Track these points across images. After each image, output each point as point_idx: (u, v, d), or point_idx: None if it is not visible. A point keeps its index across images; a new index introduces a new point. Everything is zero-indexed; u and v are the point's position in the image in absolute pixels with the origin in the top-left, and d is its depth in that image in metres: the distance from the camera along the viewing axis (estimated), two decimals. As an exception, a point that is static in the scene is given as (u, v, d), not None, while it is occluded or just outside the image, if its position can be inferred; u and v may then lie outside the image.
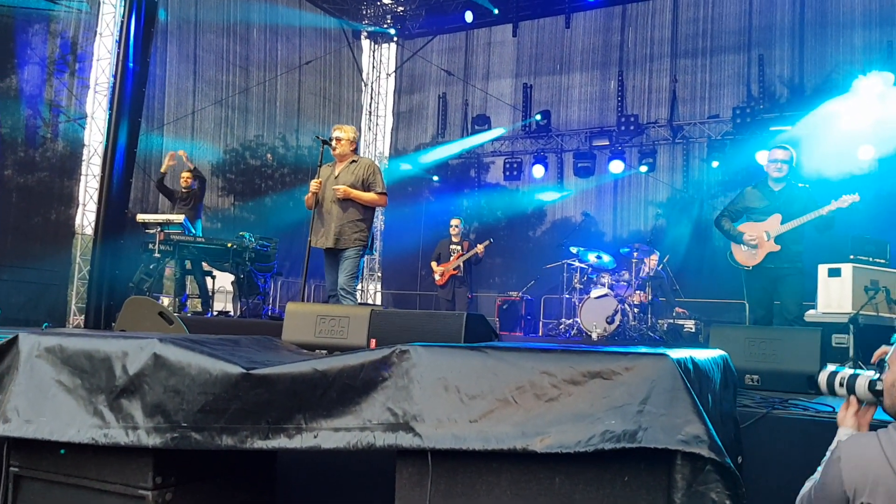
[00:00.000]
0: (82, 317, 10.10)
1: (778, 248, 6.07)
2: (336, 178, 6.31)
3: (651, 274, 9.75)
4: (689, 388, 2.19)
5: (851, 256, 7.38)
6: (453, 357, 2.48)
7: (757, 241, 6.14)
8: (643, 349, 2.50)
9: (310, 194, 6.30)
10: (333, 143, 6.37)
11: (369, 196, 6.27)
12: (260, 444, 2.57)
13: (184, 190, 9.75)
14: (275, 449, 2.58)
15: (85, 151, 10.70)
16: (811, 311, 6.92)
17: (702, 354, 2.68)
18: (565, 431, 2.24)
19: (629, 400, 2.22)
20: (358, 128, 15.89)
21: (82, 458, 2.82)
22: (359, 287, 15.70)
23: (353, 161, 6.39)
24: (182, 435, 2.63)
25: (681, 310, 10.16)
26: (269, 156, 14.11)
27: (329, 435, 2.52)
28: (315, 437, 2.53)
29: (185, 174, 9.80)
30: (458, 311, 4.05)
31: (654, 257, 9.97)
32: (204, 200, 10.06)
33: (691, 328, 9.91)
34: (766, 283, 6.20)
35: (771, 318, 6.19)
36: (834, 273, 7.29)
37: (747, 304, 6.49)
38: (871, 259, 7.48)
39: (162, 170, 9.92)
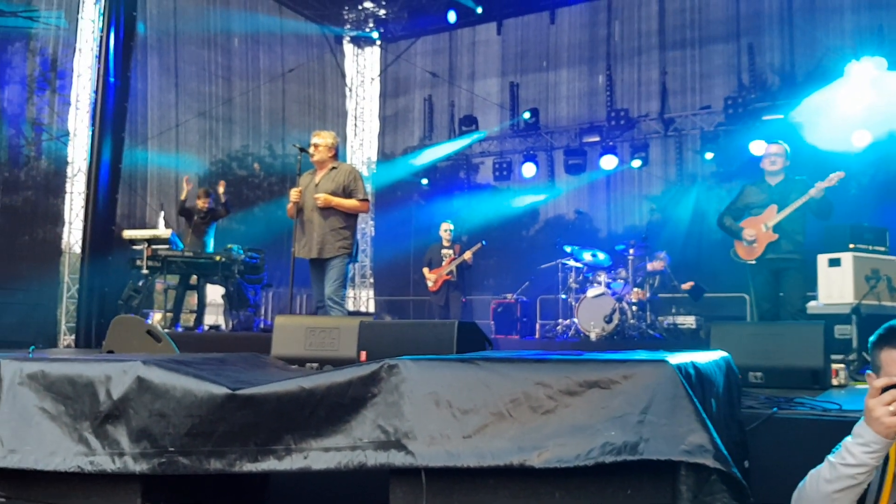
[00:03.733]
0: (73, 336, 10.00)
1: (776, 237, 6.14)
2: (316, 185, 6.19)
3: (663, 270, 9.66)
4: (691, 394, 2.11)
5: (851, 245, 7.32)
6: (444, 370, 2.41)
7: (755, 234, 6.22)
8: (642, 355, 2.42)
9: (290, 204, 6.20)
10: (311, 150, 6.26)
11: (350, 203, 6.15)
12: (249, 466, 2.50)
13: (201, 209, 9.75)
14: (264, 472, 2.51)
15: (69, 169, 10.56)
16: (812, 303, 6.88)
17: (703, 357, 2.60)
18: (564, 445, 2.16)
19: (629, 410, 2.14)
20: (344, 133, 15.90)
21: (69, 486, 2.74)
22: (350, 295, 15.72)
23: (334, 168, 6.27)
24: (169, 460, 2.56)
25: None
26: (256, 165, 14.01)
27: (319, 455, 2.44)
28: (305, 458, 2.46)
29: (200, 196, 9.83)
30: (449, 320, 3.97)
31: (661, 262, 9.84)
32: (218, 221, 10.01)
33: (692, 324, 9.83)
34: (770, 276, 6.27)
35: (777, 312, 6.21)
36: (834, 263, 7.23)
37: (753, 299, 6.51)
38: (870, 247, 7.43)
39: (182, 197, 9.93)
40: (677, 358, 2.30)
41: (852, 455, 2.00)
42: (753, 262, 6.28)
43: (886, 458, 2.04)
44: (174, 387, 2.60)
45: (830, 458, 2.08)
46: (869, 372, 2.14)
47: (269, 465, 2.47)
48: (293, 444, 2.47)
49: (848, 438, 2.06)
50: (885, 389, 1.95)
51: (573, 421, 2.19)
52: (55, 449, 2.68)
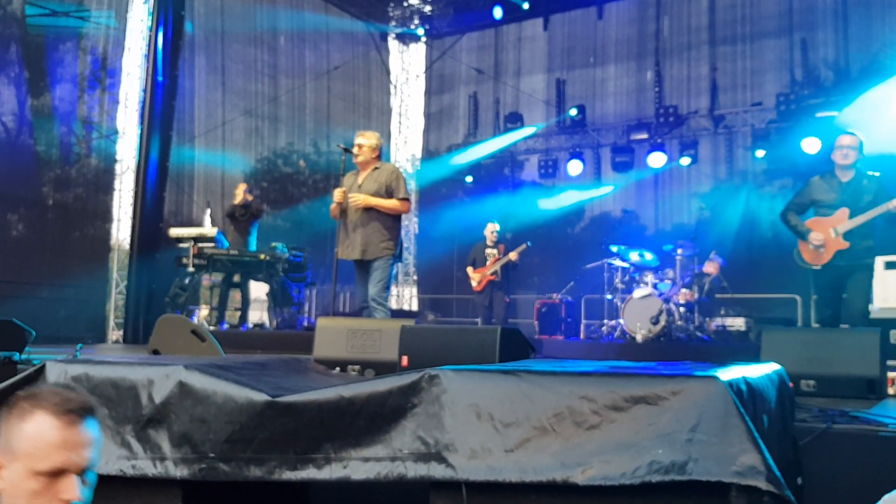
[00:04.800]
0: (121, 332, 10.18)
1: (847, 245, 5.63)
2: (360, 186, 6.16)
3: (709, 275, 9.49)
4: (743, 412, 2.03)
5: (909, 248, 7.07)
6: (486, 381, 2.37)
7: (824, 238, 5.71)
8: (691, 369, 2.33)
9: (334, 205, 6.18)
10: (356, 150, 6.22)
11: (391, 203, 6.10)
12: (288, 475, 2.50)
13: (239, 206, 9.73)
14: (303, 480, 2.51)
15: (118, 167, 10.75)
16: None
17: (755, 372, 2.50)
18: (609, 462, 2.11)
19: (677, 427, 2.07)
20: (388, 131, 15.92)
21: (112, 489, 2.74)
22: (394, 293, 15.74)
23: (376, 168, 6.22)
24: (210, 466, 2.57)
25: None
26: (301, 163, 14.09)
27: (358, 465, 2.43)
28: (344, 467, 2.45)
29: (239, 191, 9.77)
30: (492, 327, 3.91)
31: (716, 264, 9.66)
32: (259, 219, 9.99)
33: (741, 326, 9.60)
34: (835, 282, 5.79)
35: (838, 318, 5.81)
36: (891, 266, 6.99)
37: (816, 304, 6.11)
38: (928, 249, 7.16)
39: (235, 202, 9.86)
40: (728, 373, 2.22)
41: None
42: (819, 267, 5.81)
43: None
44: (215, 392, 2.61)
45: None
46: None
47: (309, 473, 2.47)
48: (332, 454, 2.45)
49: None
50: None
51: (619, 437, 2.14)
52: (98, 451, 2.72)
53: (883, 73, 10.75)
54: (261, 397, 2.52)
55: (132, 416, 2.72)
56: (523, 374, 2.32)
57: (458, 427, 2.30)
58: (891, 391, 4.54)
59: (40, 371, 2.97)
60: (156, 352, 4.66)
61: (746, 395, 2.24)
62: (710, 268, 9.68)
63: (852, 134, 5.82)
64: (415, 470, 2.32)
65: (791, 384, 4.17)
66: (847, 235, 5.65)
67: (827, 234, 5.72)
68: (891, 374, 4.60)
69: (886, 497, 2.04)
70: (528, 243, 10.25)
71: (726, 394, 2.06)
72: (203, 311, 10.06)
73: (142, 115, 10.32)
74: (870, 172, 5.78)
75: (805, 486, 2.81)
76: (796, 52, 12.16)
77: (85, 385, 2.83)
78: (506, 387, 2.31)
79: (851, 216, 5.65)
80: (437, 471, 2.28)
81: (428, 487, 2.33)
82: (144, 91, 10.30)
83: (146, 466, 2.63)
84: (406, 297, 16.22)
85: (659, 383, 2.15)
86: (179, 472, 2.58)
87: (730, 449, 1.98)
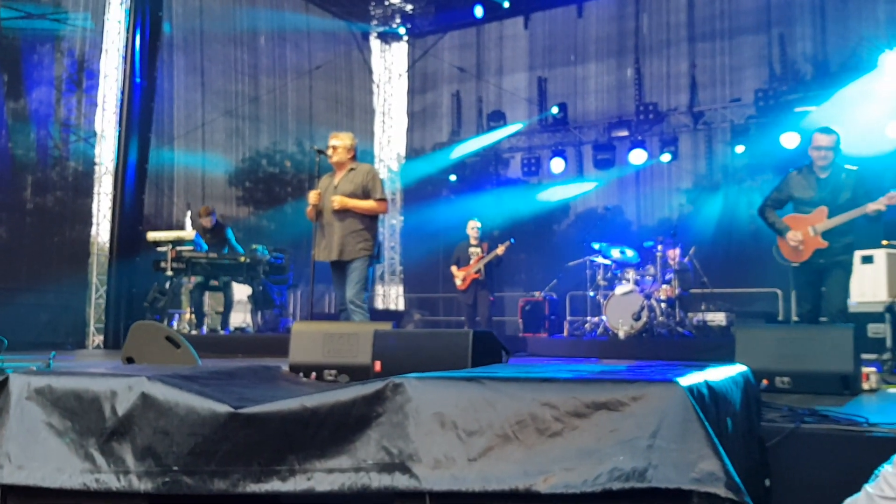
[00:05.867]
0: (101, 337, 10.11)
1: (826, 244, 5.64)
2: (335, 187, 6.13)
3: (676, 268, 9.50)
4: (703, 418, 2.02)
5: (885, 242, 7.14)
6: (449, 389, 2.34)
7: (802, 237, 5.71)
8: (653, 375, 2.32)
9: (310, 207, 6.15)
10: (330, 151, 6.20)
11: (367, 204, 6.08)
12: (253, 487, 2.46)
13: (205, 228, 9.69)
14: (268, 493, 2.46)
15: (97, 169, 10.65)
16: (845, 301, 6.66)
17: (718, 375, 2.49)
18: (570, 469, 2.09)
19: (638, 433, 2.06)
20: (372, 130, 15.89)
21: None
22: (380, 292, 15.72)
23: (352, 169, 6.20)
24: (173, 479, 2.52)
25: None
26: (287, 163, 14.03)
27: (323, 477, 2.39)
28: (308, 479, 2.41)
29: (202, 214, 9.73)
30: (464, 330, 3.90)
31: (676, 251, 9.72)
32: (230, 236, 9.88)
33: (722, 321, 9.64)
34: (814, 278, 5.80)
35: (818, 313, 5.81)
36: (867, 260, 7.07)
37: (795, 299, 6.12)
38: (904, 243, 7.23)
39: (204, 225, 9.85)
40: (690, 378, 2.21)
41: (891, 487, 1.86)
42: (797, 264, 5.81)
43: None
44: (177, 404, 2.57)
45: (868, 487, 1.93)
46: None
47: (273, 486, 2.43)
48: (297, 465, 2.42)
49: (887, 467, 1.90)
50: None
51: (581, 444, 2.12)
52: (62, 465, 2.66)
53: (861, 68, 10.82)
54: (223, 409, 2.48)
55: (95, 429, 2.67)
56: (487, 382, 2.30)
57: (422, 436, 2.28)
58: (865, 386, 4.57)
59: (3, 384, 2.90)
60: (130, 359, 4.61)
61: (708, 399, 2.23)
62: (670, 255, 9.70)
63: (828, 132, 5.76)
64: (379, 481, 2.30)
65: (765, 381, 4.21)
66: (826, 234, 5.65)
67: (805, 233, 5.71)
68: (866, 370, 4.62)
69: (848, 501, 2.03)
70: (512, 240, 10.25)
71: (686, 399, 2.04)
72: (185, 316, 10.01)
73: (120, 117, 10.24)
74: (847, 166, 5.76)
75: (773, 488, 2.81)
76: (774, 47, 12.21)
77: (48, 397, 2.78)
78: (469, 394, 2.28)
79: (830, 215, 5.64)
80: (401, 481, 2.26)
81: (393, 498, 2.30)
82: (122, 93, 10.22)
83: (110, 480, 2.58)
84: (392, 296, 16.20)
85: (620, 389, 2.13)
86: (143, 485, 2.53)
87: (689, 455, 1.96)
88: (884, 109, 10.32)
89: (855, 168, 5.76)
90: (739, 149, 12.22)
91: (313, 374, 4.34)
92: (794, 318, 6.53)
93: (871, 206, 5.44)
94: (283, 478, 2.43)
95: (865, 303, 7.06)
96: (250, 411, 2.47)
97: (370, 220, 6.16)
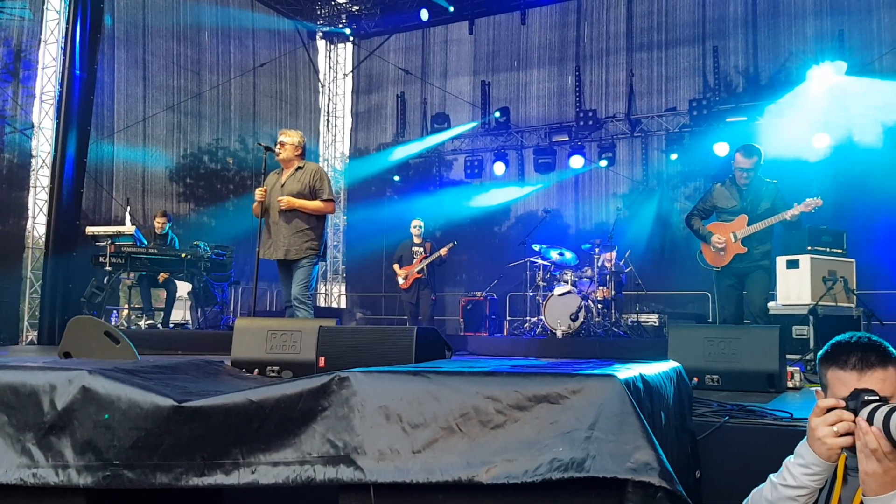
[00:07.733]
0: (35, 332, 9.84)
1: (745, 249, 6.03)
2: (282, 186, 6.12)
3: (612, 269, 9.72)
4: (638, 411, 2.11)
5: (809, 248, 7.45)
6: (395, 383, 2.38)
7: (724, 243, 6.09)
8: (591, 369, 2.41)
9: (256, 204, 6.13)
10: (277, 148, 6.18)
11: (314, 205, 6.08)
12: (196, 481, 2.45)
13: (158, 232, 9.59)
14: (211, 486, 2.46)
15: (33, 162, 10.37)
16: (771, 304, 6.95)
17: (652, 370, 2.60)
18: (512, 460, 2.15)
19: (577, 425, 2.13)
20: (317, 129, 15.81)
21: (13, 499, 2.65)
22: (322, 290, 15.64)
23: (299, 167, 6.19)
24: (114, 473, 2.50)
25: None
26: (229, 160, 13.85)
27: (267, 470, 2.40)
28: (253, 472, 2.42)
29: (158, 222, 9.63)
30: (408, 326, 3.95)
31: (612, 254, 9.95)
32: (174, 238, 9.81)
33: (655, 322, 9.91)
34: (735, 281, 6.17)
35: (741, 316, 6.15)
36: (792, 265, 7.36)
37: (717, 303, 6.44)
38: (828, 249, 7.58)
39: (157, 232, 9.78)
40: (626, 372, 2.30)
41: (793, 476, 1.91)
42: (719, 269, 6.18)
43: (834, 477, 1.94)
44: (119, 398, 2.54)
45: (773, 477, 2.02)
46: (818, 389, 2.04)
47: (217, 479, 2.43)
48: (241, 459, 2.43)
49: (790, 458, 1.96)
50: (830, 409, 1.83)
51: (522, 436, 2.18)
52: (-2, 460, 2.60)
53: (790, 81, 11.27)
54: (167, 402, 2.47)
55: (33, 423, 2.62)
56: (432, 376, 2.34)
57: (367, 429, 2.31)
58: (790, 384, 4.78)
59: (-62, 378, 2.87)
60: (67, 354, 4.52)
61: (643, 392, 2.32)
62: (606, 258, 9.94)
63: (749, 154, 6.05)
64: (324, 473, 2.32)
65: (696, 379, 4.37)
66: (745, 241, 6.03)
67: (727, 238, 6.09)
68: (790, 369, 4.84)
69: (755, 490, 2.13)
70: (454, 242, 10.35)
71: (623, 392, 2.12)
72: (123, 312, 9.82)
73: (58, 110, 9.96)
74: (768, 180, 6.15)
75: (703, 479, 2.93)
76: (709, 59, 12.60)
77: (-16, 391, 2.73)
78: (414, 388, 2.32)
79: (750, 223, 6.03)
80: (345, 473, 2.28)
81: (337, 490, 2.33)
82: (61, 85, 9.93)
83: (48, 475, 2.55)
84: (335, 294, 16.14)
85: (560, 382, 2.20)
86: (83, 479, 2.51)
87: (625, 446, 2.03)
88: (811, 121, 10.76)
89: (775, 181, 6.17)
90: (674, 156, 12.59)
91: (256, 371, 4.33)
92: (717, 321, 6.78)
93: (788, 213, 5.86)
94: (226, 471, 2.44)
95: (790, 305, 7.36)
96: (194, 405, 2.46)
97: (317, 220, 6.16)
